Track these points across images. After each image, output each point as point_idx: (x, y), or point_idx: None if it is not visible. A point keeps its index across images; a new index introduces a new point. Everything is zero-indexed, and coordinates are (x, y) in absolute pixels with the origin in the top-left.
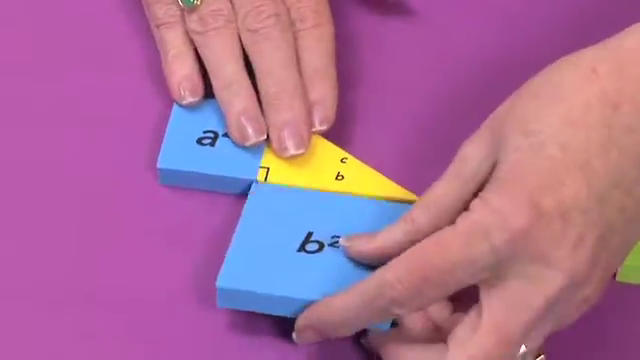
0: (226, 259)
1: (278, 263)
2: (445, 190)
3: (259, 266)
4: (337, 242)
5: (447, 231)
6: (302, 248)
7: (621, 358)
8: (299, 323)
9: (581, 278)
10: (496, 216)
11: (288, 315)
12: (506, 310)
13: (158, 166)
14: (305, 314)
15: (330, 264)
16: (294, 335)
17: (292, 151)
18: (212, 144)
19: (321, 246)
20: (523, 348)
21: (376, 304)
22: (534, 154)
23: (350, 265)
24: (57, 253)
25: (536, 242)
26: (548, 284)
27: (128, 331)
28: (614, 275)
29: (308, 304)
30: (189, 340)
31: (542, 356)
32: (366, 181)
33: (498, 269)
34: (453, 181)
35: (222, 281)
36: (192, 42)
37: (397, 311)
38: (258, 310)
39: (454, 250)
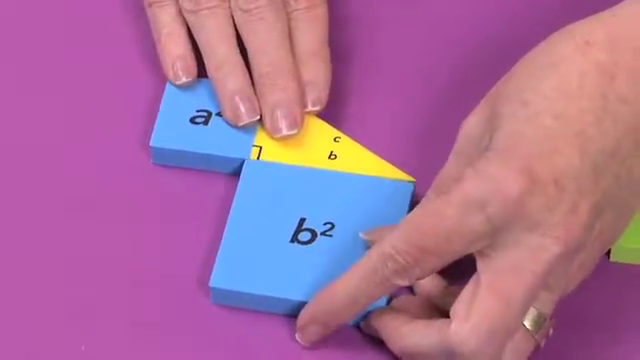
0: (218, 256)
1: (271, 259)
2: (455, 168)
3: (252, 263)
4: (329, 230)
5: (441, 201)
6: (295, 238)
7: (614, 336)
8: (302, 319)
9: (576, 245)
10: (490, 184)
11: (282, 313)
12: (503, 278)
13: (151, 145)
14: (307, 309)
15: (323, 257)
16: (297, 335)
17: (285, 131)
18: (205, 123)
19: (314, 235)
20: (532, 315)
21: (378, 278)
22: (529, 124)
23: (341, 256)
24: (50, 233)
25: (530, 210)
26: (544, 251)
27: (123, 310)
28: (608, 255)
29: (302, 304)
30: (185, 319)
31: (548, 320)
32: (359, 160)
33: (494, 238)
34: (460, 158)
35: (215, 281)
36: (185, 21)
37: (398, 282)
38: (253, 308)
39: (450, 220)
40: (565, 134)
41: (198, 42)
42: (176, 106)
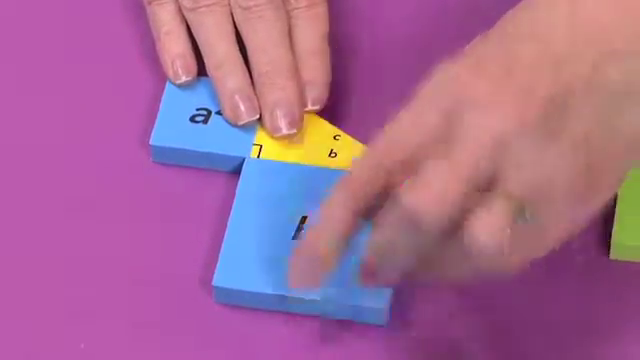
0: (221, 254)
1: (273, 257)
2: None
3: (254, 261)
4: None
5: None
6: (297, 236)
7: (613, 335)
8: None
9: (531, 124)
10: (444, 77)
11: (286, 311)
12: (454, 145)
13: (151, 143)
14: (298, 251)
15: None
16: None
17: (285, 131)
18: (205, 121)
19: None
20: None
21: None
22: (500, 41)
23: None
24: (50, 232)
25: (477, 89)
26: (493, 125)
27: (125, 310)
28: (608, 253)
29: (304, 301)
30: (188, 318)
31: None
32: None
33: (451, 128)
34: None
35: (218, 280)
36: (184, 19)
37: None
38: (256, 306)
39: (404, 118)
40: (526, 35)
41: (197, 40)
42: (176, 104)
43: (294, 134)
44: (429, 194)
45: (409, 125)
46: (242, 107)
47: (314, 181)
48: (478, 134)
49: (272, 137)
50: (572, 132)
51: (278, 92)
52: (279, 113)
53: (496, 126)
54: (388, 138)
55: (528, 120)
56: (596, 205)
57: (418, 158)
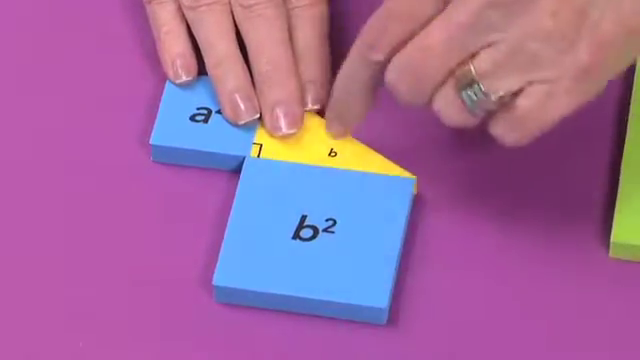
0: (221, 254)
1: (273, 256)
2: None
3: (254, 260)
4: (331, 227)
5: None
6: (297, 235)
7: (612, 333)
8: (327, 117)
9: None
10: None
11: (286, 310)
12: (432, 26)
13: (151, 142)
14: (328, 106)
15: (325, 254)
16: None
17: (285, 130)
18: (205, 121)
19: (316, 232)
20: (461, 70)
21: (359, 53)
22: None
23: (343, 252)
24: (50, 231)
25: None
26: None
27: (125, 310)
28: (607, 251)
29: (305, 301)
30: (188, 317)
31: (480, 85)
32: (359, 157)
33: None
34: None
35: (218, 279)
36: (184, 18)
37: (374, 55)
38: (256, 305)
39: None
40: None
41: (197, 39)
42: (176, 104)
43: (294, 133)
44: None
45: None
46: (242, 106)
47: (314, 180)
48: (457, 15)
49: (272, 136)
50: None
51: (278, 91)
52: (279, 112)
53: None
54: (389, 7)
55: None
56: (601, 79)
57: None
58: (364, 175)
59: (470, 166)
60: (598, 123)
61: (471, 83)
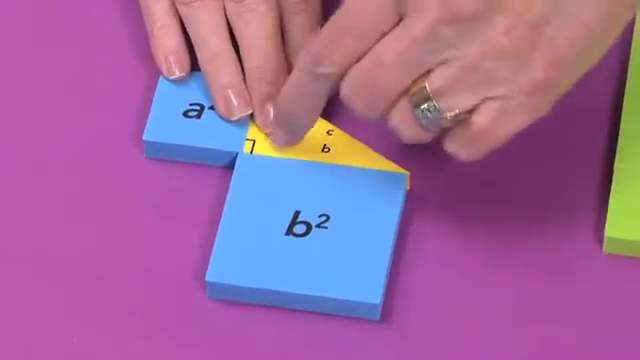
0: (214, 250)
1: (266, 252)
2: None
3: (248, 256)
4: (324, 223)
5: None
6: (290, 231)
7: (607, 329)
8: (273, 127)
9: (469, 12)
10: None
11: (279, 306)
12: (386, 42)
13: (144, 138)
14: (274, 113)
15: (318, 249)
16: (270, 138)
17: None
18: (198, 116)
19: (309, 228)
20: (416, 87)
21: (307, 66)
22: None
23: (337, 248)
24: (42, 228)
25: None
26: (424, 15)
27: (118, 306)
28: (601, 247)
29: (298, 296)
30: (181, 314)
31: (435, 101)
32: (352, 153)
33: (399, 9)
34: None
35: (211, 275)
36: (178, 14)
37: (325, 69)
38: (249, 301)
39: (356, 2)
40: None
41: (190, 35)
42: (169, 100)
43: None
44: (349, 83)
45: (363, 7)
46: (235, 102)
47: (307, 176)
48: (412, 30)
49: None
50: (513, 10)
51: (269, 87)
52: (270, 107)
53: (428, 16)
54: (341, 17)
55: (458, 7)
56: (555, 93)
57: (373, 39)
58: (357, 171)
59: (463, 162)
60: (591, 119)
61: (425, 101)
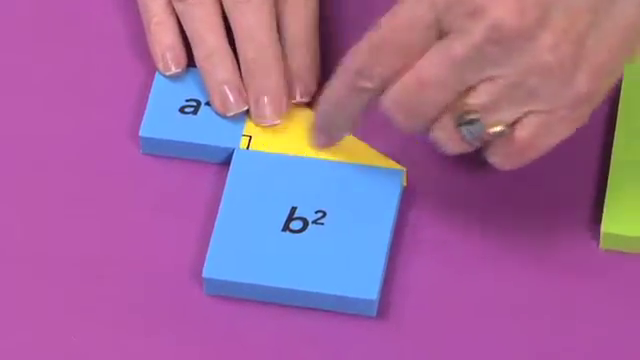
0: (211, 246)
1: (263, 248)
2: None
3: (244, 252)
4: (321, 219)
5: (397, 5)
6: (286, 227)
7: (603, 324)
8: (312, 128)
9: (516, 31)
10: None
11: (276, 302)
12: (428, 58)
13: (140, 135)
14: (314, 121)
15: (314, 245)
16: (312, 141)
17: (270, 120)
18: (195, 112)
19: (305, 224)
20: (458, 105)
21: (348, 79)
22: None
23: (333, 244)
24: (39, 225)
25: None
26: (470, 35)
27: (115, 303)
28: (598, 242)
29: (295, 292)
30: (178, 310)
31: (479, 118)
32: (348, 149)
33: (440, 25)
34: None
35: (208, 271)
36: (175, 10)
37: (365, 83)
38: (246, 297)
39: (401, 13)
40: None
41: (187, 31)
42: (165, 96)
43: (279, 124)
44: (390, 98)
45: (404, 21)
46: (231, 98)
47: (304, 172)
48: (455, 49)
49: (262, 128)
50: (557, 26)
51: (264, 80)
52: (265, 101)
53: (475, 35)
54: (381, 32)
55: (509, 26)
56: (595, 102)
57: (413, 54)
58: (354, 167)
59: (459, 158)
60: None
61: (469, 116)
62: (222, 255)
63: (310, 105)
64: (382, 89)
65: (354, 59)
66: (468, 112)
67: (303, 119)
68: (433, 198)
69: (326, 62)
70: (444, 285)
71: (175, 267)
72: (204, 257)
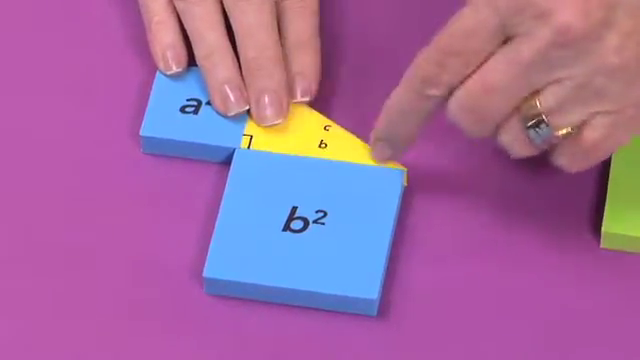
0: (211, 246)
1: (264, 248)
2: None
3: (245, 252)
4: (321, 218)
5: (462, 8)
6: (287, 227)
7: (604, 324)
8: (372, 136)
9: (582, 32)
10: None
11: (277, 302)
12: (495, 61)
13: (141, 134)
14: (376, 127)
15: (315, 245)
16: (373, 154)
17: (271, 119)
18: (195, 112)
19: (306, 224)
20: (527, 106)
21: (414, 88)
22: None
23: (334, 244)
24: (40, 224)
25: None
26: (537, 39)
27: (115, 302)
28: (598, 241)
29: (295, 292)
30: (179, 310)
31: (547, 121)
32: (349, 149)
33: (505, 30)
34: None
35: (209, 271)
36: (175, 9)
37: (432, 91)
38: (247, 297)
39: (465, 18)
40: None
41: (187, 30)
42: (166, 95)
43: (280, 123)
44: (457, 104)
45: (468, 27)
46: (232, 97)
47: (304, 172)
48: (523, 53)
49: (262, 127)
50: (621, 27)
51: (265, 79)
52: (266, 100)
53: (541, 39)
54: (447, 38)
55: (576, 29)
56: None
57: (479, 60)
58: (354, 167)
59: (460, 158)
60: None
61: (537, 120)
62: (223, 255)
63: (311, 104)
64: (448, 96)
65: (419, 67)
66: (535, 115)
67: (304, 118)
68: (434, 198)
69: (327, 61)
70: (444, 285)
71: (175, 267)
72: (205, 257)
